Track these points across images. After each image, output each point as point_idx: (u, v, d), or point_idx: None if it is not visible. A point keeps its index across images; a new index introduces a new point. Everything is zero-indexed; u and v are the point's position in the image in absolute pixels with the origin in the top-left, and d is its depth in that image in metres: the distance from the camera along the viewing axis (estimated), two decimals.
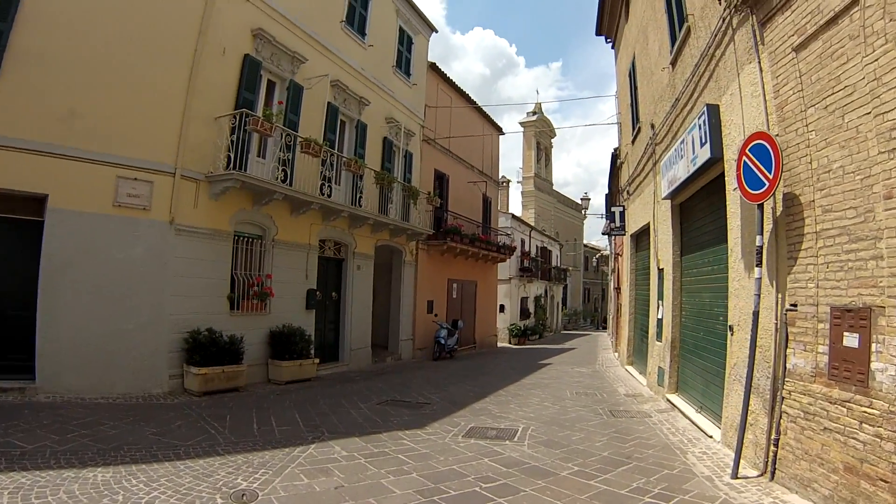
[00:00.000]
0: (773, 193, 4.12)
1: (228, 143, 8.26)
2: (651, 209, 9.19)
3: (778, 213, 4.31)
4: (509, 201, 28.89)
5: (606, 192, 20.41)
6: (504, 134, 23.91)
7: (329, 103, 11.28)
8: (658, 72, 8.44)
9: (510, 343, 23.85)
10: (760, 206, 4.28)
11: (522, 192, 35.88)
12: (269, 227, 9.53)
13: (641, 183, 10.36)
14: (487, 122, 21.13)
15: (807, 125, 3.98)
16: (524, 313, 26.79)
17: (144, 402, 6.81)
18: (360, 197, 11.84)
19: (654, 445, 5.38)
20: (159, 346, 7.43)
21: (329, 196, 10.60)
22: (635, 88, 10.81)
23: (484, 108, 20.73)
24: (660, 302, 8.53)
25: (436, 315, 15.90)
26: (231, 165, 8.17)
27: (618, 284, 16.51)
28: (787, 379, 4.06)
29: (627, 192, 12.19)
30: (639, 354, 11.09)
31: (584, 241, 46.28)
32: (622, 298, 13.90)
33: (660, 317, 8.49)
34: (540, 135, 36.85)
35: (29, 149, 6.49)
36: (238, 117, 8.26)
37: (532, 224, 30.10)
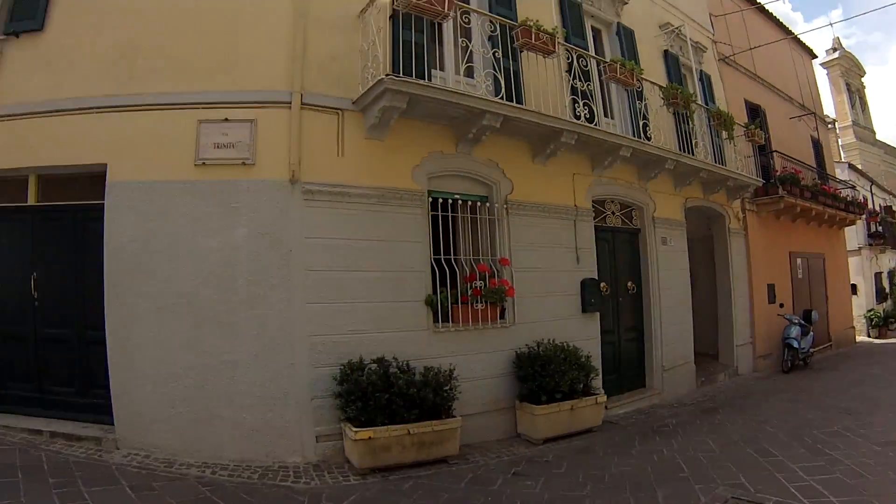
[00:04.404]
0: None
1: (381, 41, 4.76)
2: None
3: None
4: (840, 149, 20.29)
5: None
6: (817, 57, 17.13)
7: None
8: None
9: (869, 336, 17.26)
10: None
11: (841, 146, 26.53)
12: (496, 179, 5.86)
13: None
14: (794, 42, 14.72)
15: None
16: (880, 294, 19.39)
17: (268, 481, 4.12)
18: (646, 127, 7.22)
19: None
20: (293, 387, 4.56)
21: (592, 122, 6.27)
22: None
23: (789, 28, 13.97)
24: None
25: (781, 305, 10.89)
26: (392, 70, 4.69)
27: None
28: None
29: None
30: None
31: None
32: None
33: None
34: (848, 74, 26.78)
35: (78, 108, 4.70)
36: None
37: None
